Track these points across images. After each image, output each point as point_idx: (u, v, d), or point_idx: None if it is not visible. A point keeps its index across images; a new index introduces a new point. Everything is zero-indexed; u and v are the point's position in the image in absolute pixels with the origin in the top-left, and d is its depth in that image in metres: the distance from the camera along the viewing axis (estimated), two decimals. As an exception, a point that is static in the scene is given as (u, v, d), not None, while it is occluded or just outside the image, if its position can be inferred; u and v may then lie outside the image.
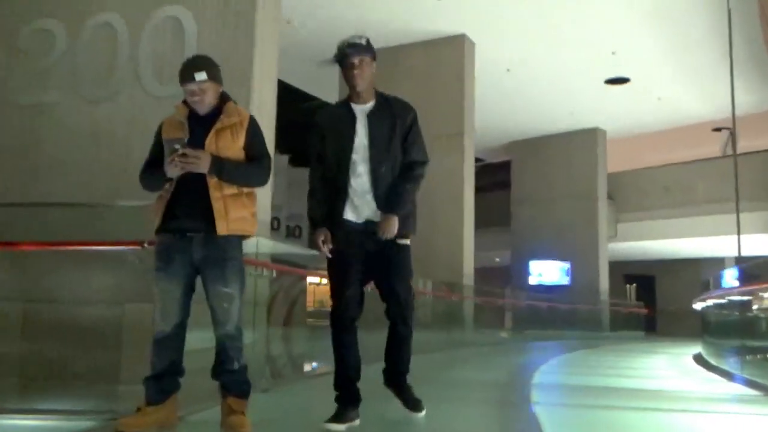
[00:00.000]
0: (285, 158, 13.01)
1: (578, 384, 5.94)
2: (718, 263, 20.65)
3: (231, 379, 2.82)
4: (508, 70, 13.56)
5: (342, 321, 3.09)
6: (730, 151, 15.19)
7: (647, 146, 18.90)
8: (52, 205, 4.97)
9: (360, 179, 3.06)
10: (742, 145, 14.32)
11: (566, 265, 17.78)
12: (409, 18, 11.49)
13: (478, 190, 22.47)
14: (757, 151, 16.51)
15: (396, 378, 3.24)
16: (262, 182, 2.93)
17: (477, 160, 19.76)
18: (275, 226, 13.03)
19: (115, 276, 4.81)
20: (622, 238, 19.15)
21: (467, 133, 12.24)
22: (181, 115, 2.92)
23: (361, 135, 3.07)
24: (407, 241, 3.15)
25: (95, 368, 4.70)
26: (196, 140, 2.80)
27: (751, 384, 5.53)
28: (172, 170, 2.74)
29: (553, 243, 17.64)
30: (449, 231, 11.84)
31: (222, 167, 2.76)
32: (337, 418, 2.95)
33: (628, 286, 27.59)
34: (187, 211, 2.77)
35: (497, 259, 22.10)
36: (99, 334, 4.91)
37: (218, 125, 2.86)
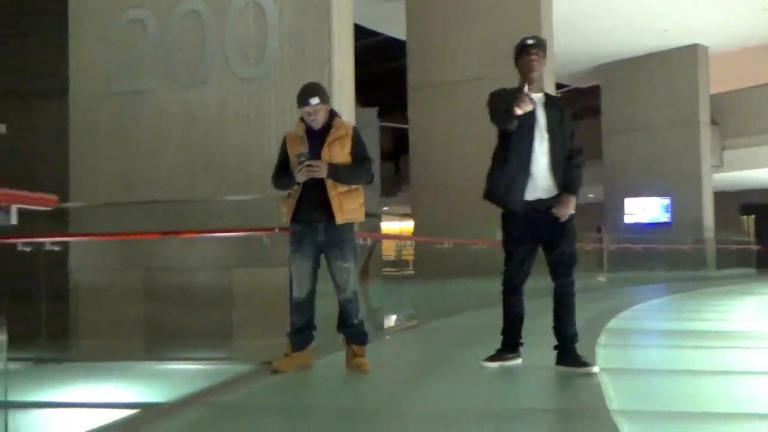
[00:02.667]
0: (374, 111, 14.40)
1: (649, 328, 7.31)
2: None
3: (352, 331, 4.38)
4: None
5: (511, 285, 4.30)
6: None
7: (755, 62, 19.26)
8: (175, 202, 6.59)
9: (538, 161, 4.13)
10: None
11: (666, 201, 18.77)
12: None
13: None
14: None
15: (562, 339, 4.21)
16: (367, 180, 4.41)
17: (561, 86, 20.74)
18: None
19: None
20: (730, 167, 19.86)
21: (546, 71, 13.25)
22: (301, 131, 4.40)
23: (540, 121, 4.13)
24: (572, 213, 4.19)
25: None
26: (314, 151, 4.28)
27: None
28: (300, 177, 4.23)
29: (650, 177, 18.62)
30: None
31: (336, 172, 4.24)
32: (493, 358, 4.33)
33: (744, 217, 28.09)
34: (312, 205, 4.27)
35: (590, 195, 23.09)
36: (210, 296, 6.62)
37: (330, 138, 4.32)
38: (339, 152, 4.33)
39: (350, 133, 4.40)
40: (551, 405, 3.69)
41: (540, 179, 4.12)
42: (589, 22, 15.78)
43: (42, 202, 2.34)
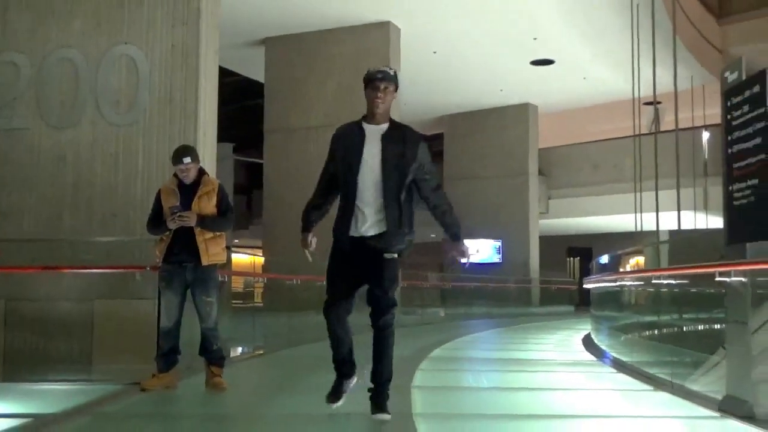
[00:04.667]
0: (230, 146, 15.10)
1: (465, 356, 8.67)
2: (653, 236, 24.05)
3: (213, 355, 5.25)
4: (434, 52, 16.05)
5: (333, 309, 4.04)
6: (657, 128, 18.22)
7: (578, 121, 21.91)
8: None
9: (367, 195, 3.95)
10: (669, 121, 17.32)
11: (498, 243, 20.76)
12: (337, 4, 13.71)
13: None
14: (684, 128, 19.56)
15: (378, 383, 4.06)
16: (228, 228, 5.33)
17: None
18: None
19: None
20: (555, 214, 22.25)
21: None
22: (173, 185, 5.27)
23: (371, 153, 3.96)
24: (395, 255, 4.01)
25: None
26: (185, 203, 5.16)
27: (616, 364, 7.88)
28: (172, 225, 5.09)
29: (485, 220, 20.48)
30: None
31: (204, 221, 5.14)
32: (334, 394, 4.11)
33: (570, 259, 31.02)
34: (182, 249, 5.14)
35: (432, 235, 24.84)
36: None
37: (199, 193, 5.22)
38: (207, 204, 5.23)
39: (216, 188, 5.33)
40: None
41: (367, 215, 3.97)
42: (436, 75, 17.46)
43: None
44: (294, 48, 14.82)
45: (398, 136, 4.01)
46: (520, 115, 20.59)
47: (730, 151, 4.77)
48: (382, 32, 14.55)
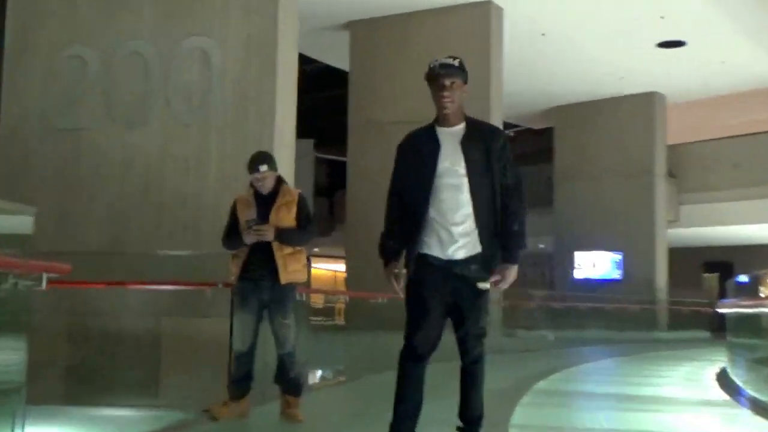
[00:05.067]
0: (311, 142, 15.51)
1: (576, 390, 8.64)
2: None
3: (289, 384, 5.49)
4: (543, 34, 15.99)
5: (411, 356, 3.90)
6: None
7: (714, 113, 21.32)
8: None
9: (450, 213, 3.82)
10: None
11: (617, 257, 20.46)
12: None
13: (517, 160, 24.80)
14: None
15: (469, 422, 3.99)
16: (308, 242, 5.56)
17: (511, 125, 22.39)
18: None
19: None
20: (686, 222, 21.76)
21: (494, 113, 14.67)
22: (250, 195, 5.54)
23: (452, 161, 3.84)
24: (488, 285, 3.87)
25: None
26: (262, 215, 5.41)
27: (755, 405, 7.40)
28: (249, 239, 5.35)
29: (602, 229, 20.21)
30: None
31: (282, 236, 5.38)
32: None
33: (705, 275, 30.11)
34: (259, 265, 5.39)
35: (541, 246, 24.70)
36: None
37: (277, 204, 5.46)
38: (285, 217, 5.47)
39: (296, 199, 5.55)
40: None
41: (454, 234, 3.84)
42: (544, 63, 17.38)
43: (59, 269, 3.41)
44: (381, 32, 14.99)
45: (479, 136, 3.93)
46: (644, 105, 20.21)
47: None
48: (481, 12, 14.55)
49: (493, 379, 9.31)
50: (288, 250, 5.42)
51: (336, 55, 16.78)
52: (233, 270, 5.52)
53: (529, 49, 16.50)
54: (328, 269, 23.41)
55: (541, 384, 8.65)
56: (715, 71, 18.30)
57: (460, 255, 3.82)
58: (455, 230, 3.82)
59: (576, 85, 19.35)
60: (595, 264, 20.62)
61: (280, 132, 8.16)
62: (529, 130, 24.19)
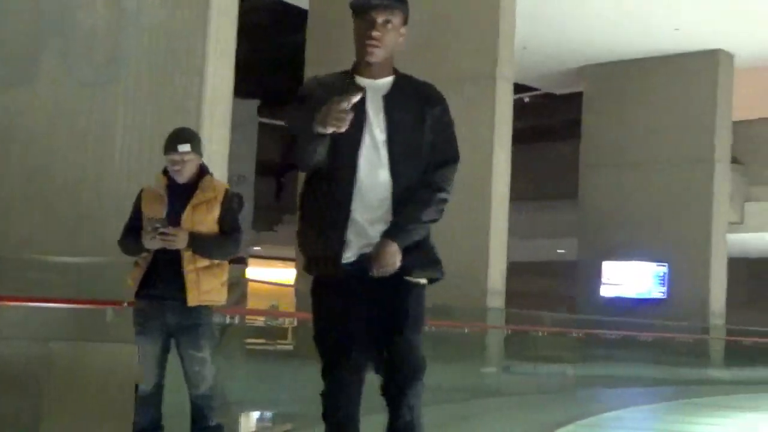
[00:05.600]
0: (254, 104, 15.61)
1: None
2: None
3: (206, 436, 5.67)
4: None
5: (329, 408, 3.80)
6: None
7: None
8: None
9: (368, 193, 3.71)
10: None
11: (662, 269, 20.77)
12: None
13: (532, 135, 25.37)
14: None
15: None
16: (232, 255, 5.70)
17: (526, 89, 22.59)
18: (236, 181, 16.05)
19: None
20: (754, 225, 22.07)
21: (501, 75, 14.88)
22: (161, 187, 5.68)
23: (373, 124, 3.70)
24: (422, 281, 3.81)
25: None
26: (174, 212, 5.56)
27: None
28: (152, 245, 5.48)
29: (642, 232, 20.53)
30: (469, 226, 14.47)
31: (197, 244, 5.50)
32: None
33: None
34: (163, 279, 5.49)
35: (560, 251, 24.87)
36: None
37: (195, 200, 5.58)
38: (204, 218, 5.57)
39: (220, 197, 5.63)
40: None
41: (371, 223, 3.73)
42: (574, 6, 17.56)
43: None
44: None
45: (411, 94, 3.81)
46: (704, 67, 20.52)
47: None
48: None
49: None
50: (203, 262, 5.50)
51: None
52: (130, 282, 5.58)
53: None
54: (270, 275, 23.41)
55: None
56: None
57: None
58: (371, 217, 3.73)
59: (614, 38, 19.66)
60: (630, 278, 20.89)
61: (212, 91, 8.22)
62: (550, 96, 24.41)
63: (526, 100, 23.79)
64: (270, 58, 20.92)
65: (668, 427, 11.73)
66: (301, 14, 16.52)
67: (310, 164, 3.73)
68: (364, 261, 3.67)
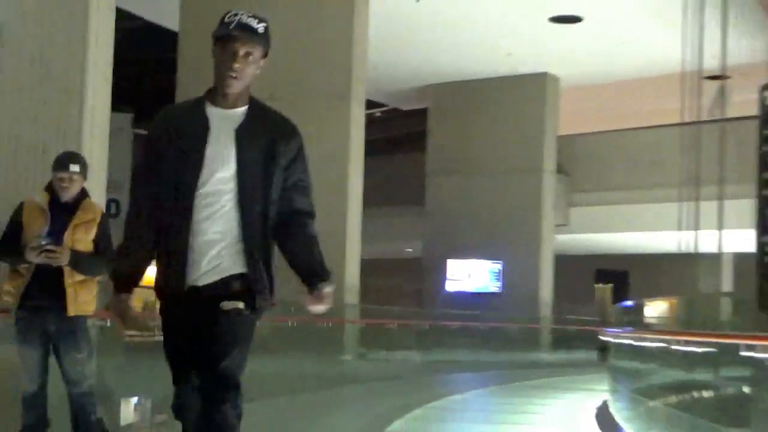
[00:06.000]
0: (128, 117, 15.32)
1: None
2: (715, 259, 24.64)
3: (90, 430, 5.62)
4: (417, 0, 16.46)
5: (181, 411, 3.56)
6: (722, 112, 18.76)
7: (612, 101, 22.35)
8: None
9: (209, 222, 3.45)
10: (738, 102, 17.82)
11: (497, 266, 21.32)
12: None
13: (383, 147, 25.41)
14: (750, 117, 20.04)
15: None
16: (103, 273, 5.64)
17: (377, 104, 22.84)
18: (113, 210, 15.71)
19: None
20: (577, 227, 22.81)
21: (355, 97, 15.02)
22: (44, 203, 5.61)
23: (219, 154, 3.44)
24: (239, 306, 3.49)
25: None
26: (57, 229, 5.50)
27: None
28: (36, 259, 5.41)
29: (480, 234, 20.99)
30: (327, 230, 14.56)
31: (77, 262, 5.47)
32: None
33: (597, 286, 31.48)
34: (43, 290, 5.40)
35: (408, 250, 25.22)
36: None
37: (76, 220, 5.53)
38: (83, 238, 5.53)
39: (98, 219, 5.63)
40: None
41: (207, 253, 3.49)
42: (419, 31, 17.85)
43: None
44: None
45: (265, 126, 3.53)
46: (534, 88, 21.16)
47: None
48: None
49: (339, 419, 9.57)
50: (79, 277, 5.49)
51: (161, 12, 16.72)
52: (11, 290, 5.49)
53: (400, 17, 17.01)
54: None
55: (396, 426, 8.94)
56: (614, 52, 19.38)
57: (207, 279, 3.49)
58: (206, 249, 3.48)
59: (455, 60, 20.06)
60: (470, 274, 21.42)
61: (91, 109, 8.15)
62: (398, 112, 24.68)
63: (378, 114, 24.00)
64: (145, 71, 20.62)
65: (501, 409, 12.01)
66: (170, 35, 16.36)
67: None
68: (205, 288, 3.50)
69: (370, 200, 16.38)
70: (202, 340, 3.46)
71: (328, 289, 3.52)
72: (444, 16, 17.36)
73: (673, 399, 8.51)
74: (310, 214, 3.63)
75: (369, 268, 18.00)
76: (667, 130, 21.82)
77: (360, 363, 15.93)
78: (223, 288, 3.48)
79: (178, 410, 3.57)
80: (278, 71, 14.02)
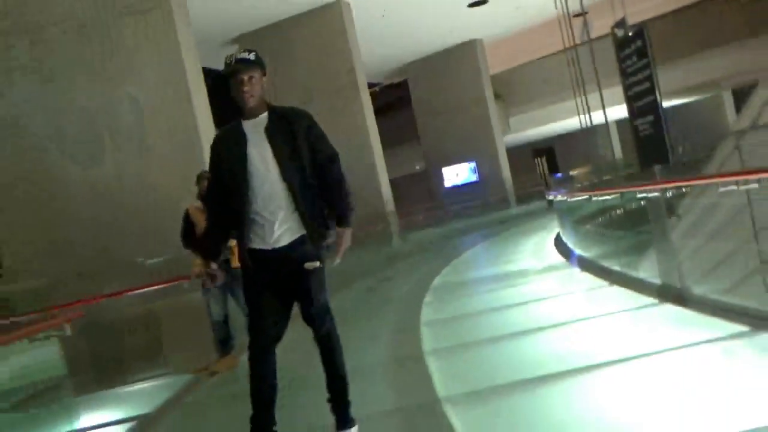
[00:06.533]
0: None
1: (464, 279, 9.19)
2: (603, 128, 24.39)
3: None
4: (383, 15, 16.11)
5: (254, 347, 3.25)
6: (586, 38, 18.39)
7: (521, 44, 21.90)
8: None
9: (268, 202, 3.15)
10: (599, 25, 17.39)
11: (472, 164, 21.18)
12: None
13: (384, 111, 25.13)
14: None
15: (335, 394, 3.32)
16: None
17: (372, 84, 22.53)
18: None
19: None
20: (516, 129, 22.62)
21: (361, 86, 14.85)
22: (201, 206, 5.54)
23: (259, 153, 3.16)
24: (315, 265, 3.20)
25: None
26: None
27: (581, 262, 8.05)
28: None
29: (458, 147, 20.88)
30: (365, 169, 14.61)
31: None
32: None
33: (537, 159, 31.40)
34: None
35: (417, 167, 25.38)
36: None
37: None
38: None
39: None
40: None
41: (274, 223, 3.18)
42: (394, 29, 17.60)
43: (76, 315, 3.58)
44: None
45: (282, 122, 3.21)
46: (469, 51, 20.69)
47: (629, 93, 5.17)
48: (335, 13, 14.59)
49: (398, 284, 9.61)
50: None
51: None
52: (198, 263, 5.37)
53: (375, 26, 16.66)
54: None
55: (437, 280, 9.04)
56: (513, 15, 18.91)
57: (284, 241, 3.18)
58: (273, 219, 3.16)
59: (420, 41, 19.66)
60: (458, 174, 21.35)
61: (205, 139, 8.17)
62: (390, 85, 24.40)
63: (377, 90, 23.75)
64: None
65: (497, 253, 11.91)
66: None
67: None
68: (278, 252, 3.19)
69: (387, 144, 16.31)
70: (294, 285, 3.23)
71: (346, 235, 3.25)
72: (403, 18, 16.91)
73: (596, 222, 8.63)
74: (332, 156, 3.26)
75: (396, 183, 18.04)
76: (557, 56, 21.54)
77: (402, 244, 15.91)
78: (296, 248, 3.18)
79: (253, 346, 3.26)
80: (316, 78, 13.98)
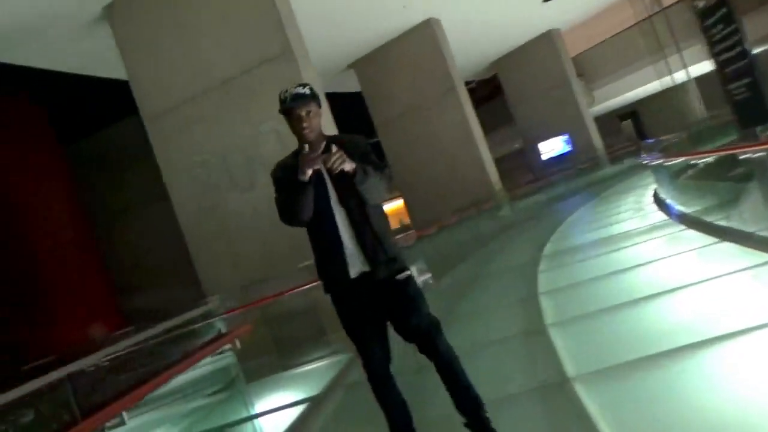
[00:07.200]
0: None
1: (575, 245, 8.40)
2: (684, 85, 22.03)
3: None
4: (469, 22, 15.24)
5: (374, 378, 2.74)
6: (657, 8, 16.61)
7: (596, 25, 20.17)
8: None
9: (334, 230, 2.68)
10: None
11: (565, 137, 19.84)
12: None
13: (482, 102, 24.25)
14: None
15: (471, 412, 2.63)
16: None
17: (468, 82, 21.67)
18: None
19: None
20: (600, 101, 20.97)
21: (458, 86, 14.23)
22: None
23: (321, 182, 2.68)
24: (407, 273, 2.71)
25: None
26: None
27: (683, 219, 6.89)
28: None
29: (550, 125, 19.66)
30: (469, 156, 14.02)
31: None
32: None
33: (622, 123, 29.12)
34: None
35: (516, 145, 24.35)
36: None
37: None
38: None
39: None
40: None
41: (351, 248, 2.69)
42: (480, 33, 16.54)
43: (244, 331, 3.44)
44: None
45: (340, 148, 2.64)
46: (548, 40, 19.21)
47: (719, 59, 4.30)
48: (431, 29, 14.02)
49: (510, 255, 8.99)
50: None
51: (347, 85, 16.28)
52: None
53: (465, 33, 15.71)
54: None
55: (548, 248, 8.25)
56: (582, 3, 17.41)
57: (367, 266, 2.67)
58: (349, 244, 2.67)
59: (503, 42, 18.52)
60: (553, 147, 20.11)
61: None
62: (483, 80, 23.34)
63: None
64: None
65: (599, 217, 10.76)
66: (357, 96, 15.87)
67: (305, 217, 2.68)
68: (365, 277, 2.68)
69: (488, 129, 15.67)
70: (392, 309, 2.68)
71: (361, 177, 2.59)
72: (490, 17, 15.70)
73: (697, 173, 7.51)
74: (380, 167, 2.69)
75: (498, 161, 17.20)
76: (628, 31, 19.67)
77: (511, 213, 15.06)
78: (378, 269, 2.66)
79: (372, 377, 2.74)
80: (421, 84, 13.50)
